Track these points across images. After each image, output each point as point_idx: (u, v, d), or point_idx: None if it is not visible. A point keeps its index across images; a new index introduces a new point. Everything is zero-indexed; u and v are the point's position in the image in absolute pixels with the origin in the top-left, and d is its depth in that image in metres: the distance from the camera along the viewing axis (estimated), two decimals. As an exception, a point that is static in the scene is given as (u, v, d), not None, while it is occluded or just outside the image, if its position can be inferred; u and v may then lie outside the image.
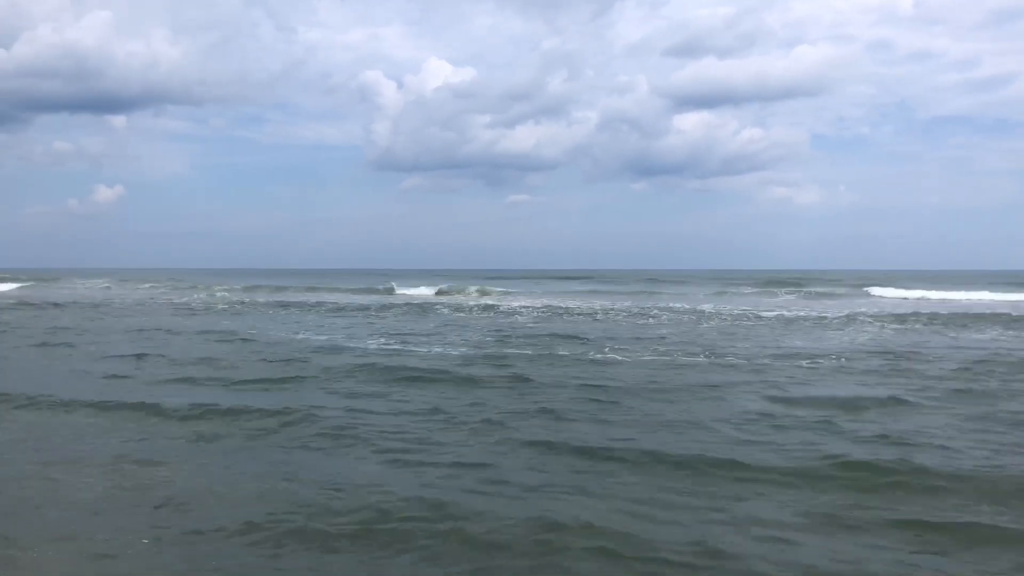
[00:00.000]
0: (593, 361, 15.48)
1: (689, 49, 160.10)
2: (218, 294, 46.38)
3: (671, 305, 36.00)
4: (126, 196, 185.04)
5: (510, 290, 50.31)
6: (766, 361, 15.13)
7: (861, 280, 56.83)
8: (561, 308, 33.79)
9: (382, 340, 19.68)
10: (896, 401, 10.80)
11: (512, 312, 31.67)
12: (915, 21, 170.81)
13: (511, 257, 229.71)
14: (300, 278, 72.35)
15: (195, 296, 44.07)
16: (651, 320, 27.19)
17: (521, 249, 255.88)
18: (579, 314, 30.09)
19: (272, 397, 11.30)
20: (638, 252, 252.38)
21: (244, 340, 19.49)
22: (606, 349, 17.26)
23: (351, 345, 18.38)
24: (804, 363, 14.80)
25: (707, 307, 34.32)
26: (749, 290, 49.21)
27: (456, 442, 8.56)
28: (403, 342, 19.15)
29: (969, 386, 12.05)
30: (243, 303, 37.54)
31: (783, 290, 48.67)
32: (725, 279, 67.96)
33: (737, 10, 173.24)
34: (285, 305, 35.82)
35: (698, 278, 72.28)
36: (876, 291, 44.97)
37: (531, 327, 24.11)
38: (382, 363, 14.71)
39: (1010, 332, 21.92)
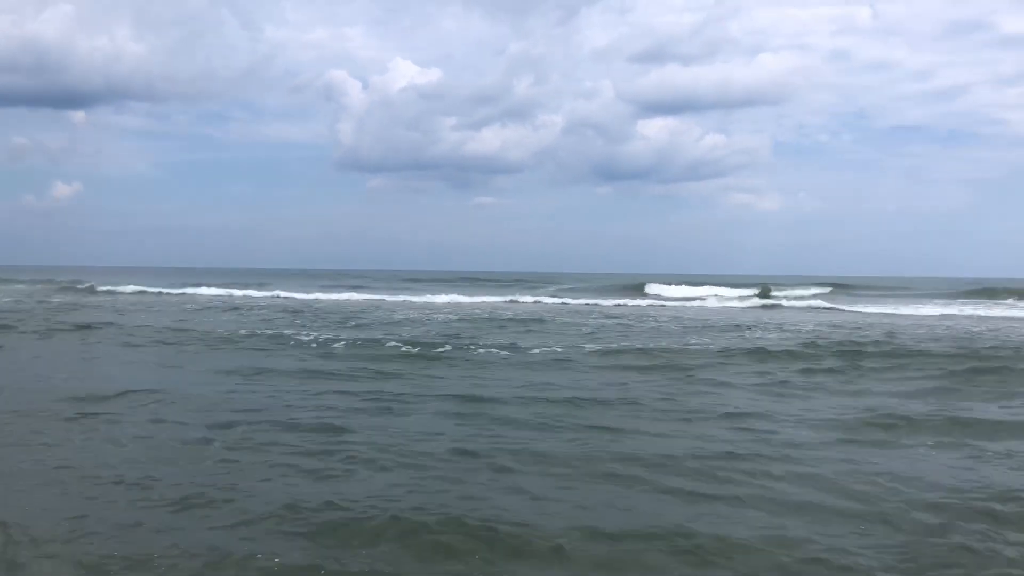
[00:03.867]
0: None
1: (654, 56, 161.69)
2: None
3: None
4: (84, 193, 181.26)
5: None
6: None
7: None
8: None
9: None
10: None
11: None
12: (873, 32, 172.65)
13: (477, 259, 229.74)
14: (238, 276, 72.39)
15: None
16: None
17: (486, 251, 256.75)
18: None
19: None
20: (602, 255, 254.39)
21: None
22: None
23: None
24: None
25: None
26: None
27: None
28: None
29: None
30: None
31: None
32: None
33: (702, 18, 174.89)
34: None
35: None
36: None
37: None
38: None
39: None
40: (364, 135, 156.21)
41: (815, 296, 44.25)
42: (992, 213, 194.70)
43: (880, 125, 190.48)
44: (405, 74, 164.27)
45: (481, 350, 17.06)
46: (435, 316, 28.90)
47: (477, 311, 32.43)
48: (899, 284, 69.12)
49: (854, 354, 16.55)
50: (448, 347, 17.45)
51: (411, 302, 39.98)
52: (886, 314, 33.65)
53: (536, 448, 8.08)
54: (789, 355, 16.46)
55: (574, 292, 49.82)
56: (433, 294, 45.45)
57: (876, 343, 18.93)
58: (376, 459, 7.53)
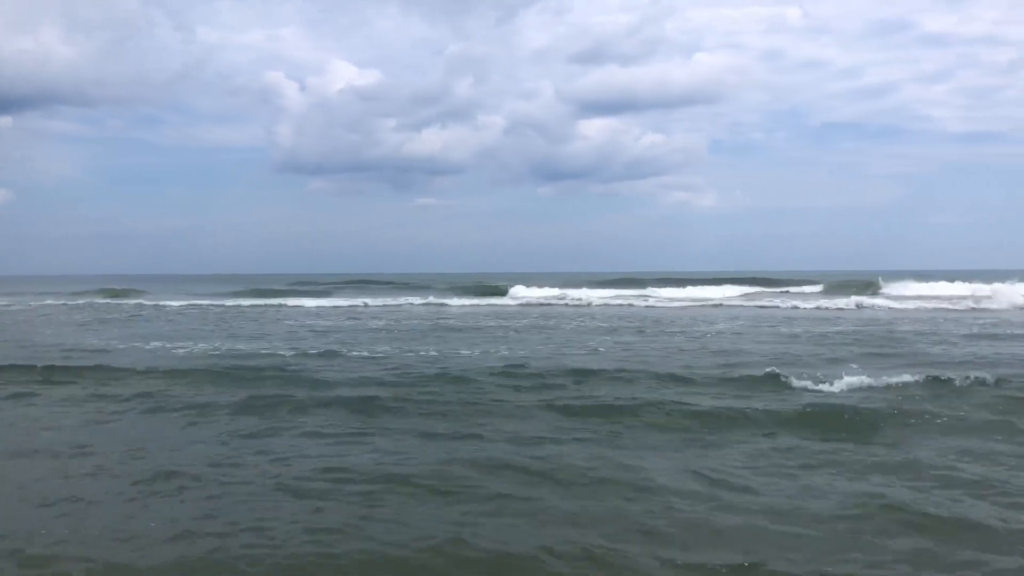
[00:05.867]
0: None
1: (592, 56, 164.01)
2: None
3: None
4: (14, 200, 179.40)
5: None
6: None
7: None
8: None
9: None
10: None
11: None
12: (804, 31, 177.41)
13: (418, 260, 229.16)
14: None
15: None
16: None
17: (428, 252, 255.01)
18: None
19: None
20: (545, 255, 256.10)
21: None
22: None
23: None
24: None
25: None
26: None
27: None
28: None
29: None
30: None
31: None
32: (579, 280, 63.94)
33: (637, 18, 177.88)
34: None
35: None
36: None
37: None
38: None
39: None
40: (303, 137, 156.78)
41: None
42: (922, 207, 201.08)
43: (813, 123, 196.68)
44: (343, 75, 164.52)
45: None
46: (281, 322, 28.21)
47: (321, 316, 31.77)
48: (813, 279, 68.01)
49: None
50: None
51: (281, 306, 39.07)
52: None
53: None
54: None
55: (464, 293, 49.16)
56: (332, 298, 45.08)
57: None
58: None
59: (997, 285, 34.82)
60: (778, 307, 34.38)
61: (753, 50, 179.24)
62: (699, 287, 47.79)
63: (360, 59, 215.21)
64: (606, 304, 38.96)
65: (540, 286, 49.20)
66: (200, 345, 18.61)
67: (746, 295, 43.91)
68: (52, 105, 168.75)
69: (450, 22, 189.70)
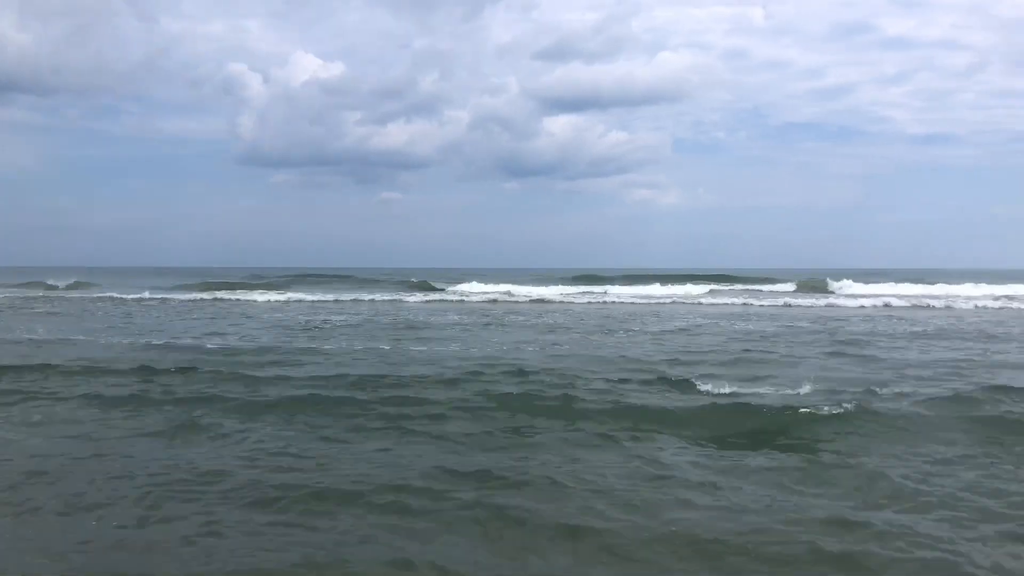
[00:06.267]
0: None
1: (558, 53, 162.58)
2: None
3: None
4: None
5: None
6: None
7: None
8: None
9: None
10: None
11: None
12: (766, 32, 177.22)
13: (382, 255, 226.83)
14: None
15: None
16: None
17: (392, 247, 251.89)
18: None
19: None
20: (509, 251, 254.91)
21: None
22: None
23: None
24: None
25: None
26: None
27: None
28: None
29: None
30: None
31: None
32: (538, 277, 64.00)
33: (603, 16, 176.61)
34: None
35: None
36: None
37: None
38: None
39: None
40: (266, 130, 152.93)
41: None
42: (880, 206, 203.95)
43: (774, 122, 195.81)
44: (307, 67, 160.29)
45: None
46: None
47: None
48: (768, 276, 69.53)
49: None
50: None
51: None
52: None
53: None
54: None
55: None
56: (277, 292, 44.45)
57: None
58: None
59: (955, 287, 35.20)
60: (736, 305, 34.61)
61: (716, 49, 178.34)
62: (662, 285, 47.97)
63: (324, 51, 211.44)
64: (570, 301, 38.86)
65: (498, 282, 49.00)
66: (142, 339, 18.12)
67: (709, 292, 44.17)
68: (6, 93, 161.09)
69: (416, 16, 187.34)
